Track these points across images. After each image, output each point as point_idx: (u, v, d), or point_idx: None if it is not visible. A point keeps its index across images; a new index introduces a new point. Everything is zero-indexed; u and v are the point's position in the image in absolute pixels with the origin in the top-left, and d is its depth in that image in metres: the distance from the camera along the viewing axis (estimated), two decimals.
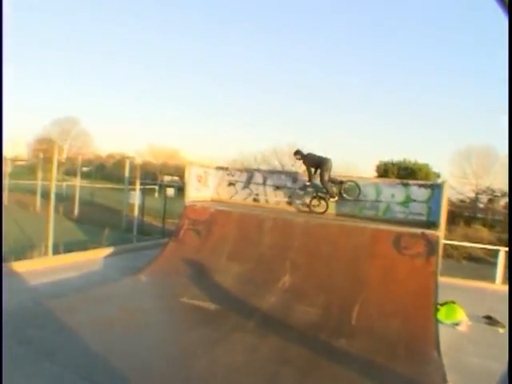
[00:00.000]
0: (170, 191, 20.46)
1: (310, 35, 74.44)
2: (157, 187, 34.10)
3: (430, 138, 65.53)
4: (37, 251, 9.65)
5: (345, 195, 10.12)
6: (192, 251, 9.06)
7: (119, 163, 57.32)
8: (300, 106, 77.72)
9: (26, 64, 74.19)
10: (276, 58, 78.78)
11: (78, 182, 19.12)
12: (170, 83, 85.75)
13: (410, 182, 10.22)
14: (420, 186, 9.89)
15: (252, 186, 10.96)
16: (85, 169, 56.29)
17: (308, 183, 10.13)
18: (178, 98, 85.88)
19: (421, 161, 30.10)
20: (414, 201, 9.74)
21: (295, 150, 10.50)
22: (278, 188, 10.79)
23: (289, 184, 10.71)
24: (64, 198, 22.69)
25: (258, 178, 10.95)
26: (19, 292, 7.33)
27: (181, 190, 16.11)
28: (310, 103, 76.46)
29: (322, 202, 10.27)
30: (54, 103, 79.53)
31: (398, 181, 10.47)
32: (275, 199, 10.82)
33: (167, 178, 42.16)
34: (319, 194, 10.26)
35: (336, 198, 10.04)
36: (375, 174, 29.94)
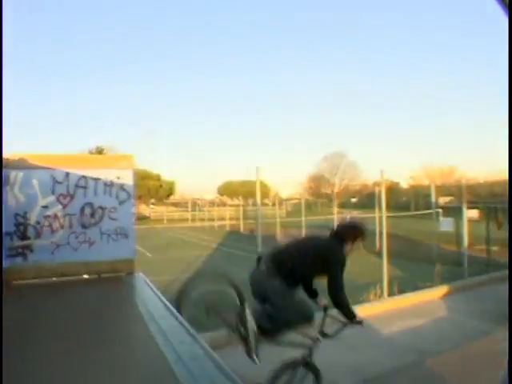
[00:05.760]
0: (472, 213, 17.97)
1: None
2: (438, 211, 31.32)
3: None
4: (372, 292, 8.95)
5: None
6: None
7: (388, 190, 56.81)
8: None
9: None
10: None
11: (379, 213, 18.37)
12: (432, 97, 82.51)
13: None
14: None
15: None
16: (353, 199, 57.63)
17: None
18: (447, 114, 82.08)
19: None
20: None
21: None
22: None
23: None
24: None
25: None
26: (376, 345, 6.54)
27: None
28: None
29: None
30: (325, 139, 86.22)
31: None
32: None
33: (444, 200, 38.84)
34: None
35: None
36: None
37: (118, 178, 4.81)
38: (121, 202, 4.83)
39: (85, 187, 4.60)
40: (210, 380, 1.83)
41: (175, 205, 57.65)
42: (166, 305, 3.21)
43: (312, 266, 3.73)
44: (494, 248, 13.81)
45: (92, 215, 4.68)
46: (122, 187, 4.85)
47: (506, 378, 1.86)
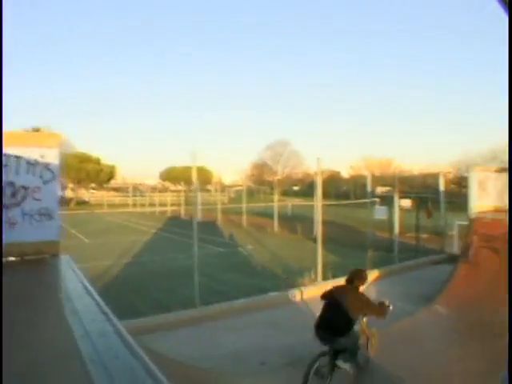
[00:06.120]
0: (406, 203, 18.75)
1: None
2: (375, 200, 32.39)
3: None
4: (305, 277, 9.15)
5: None
6: (492, 274, 7.32)
7: (329, 179, 58.17)
8: None
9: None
10: None
11: (318, 201, 18.72)
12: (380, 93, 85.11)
13: None
14: None
15: None
16: (295, 188, 58.54)
17: None
18: (388, 109, 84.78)
19: None
20: None
21: None
22: None
23: None
24: (292, 218, 23.04)
25: None
26: (310, 327, 6.69)
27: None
28: None
29: None
30: (266, 129, 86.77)
31: None
32: None
33: (381, 190, 40.29)
34: None
35: None
36: None
37: (42, 156, 4.56)
38: (45, 182, 4.58)
39: (5, 165, 4.32)
40: (114, 355, 1.83)
41: (116, 190, 56.21)
42: (85, 286, 3.11)
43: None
44: (424, 235, 14.53)
45: (13, 195, 4.42)
46: (46, 167, 4.59)
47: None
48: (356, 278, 5.23)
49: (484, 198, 9.11)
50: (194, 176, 7.90)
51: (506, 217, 8.25)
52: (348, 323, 4.85)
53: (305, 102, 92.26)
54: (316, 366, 4.66)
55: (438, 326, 6.73)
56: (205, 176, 54.65)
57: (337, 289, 5.27)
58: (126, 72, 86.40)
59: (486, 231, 7.90)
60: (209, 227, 22.35)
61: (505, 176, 9.25)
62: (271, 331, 6.56)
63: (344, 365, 4.80)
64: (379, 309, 5.07)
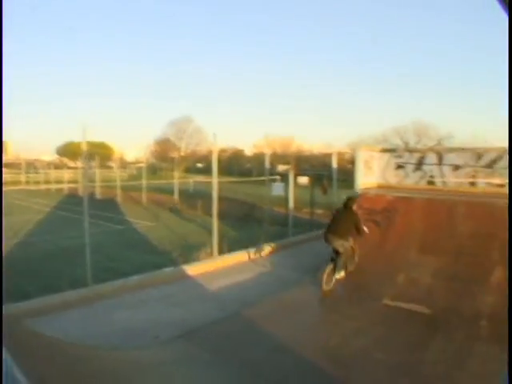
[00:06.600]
0: (303, 180, 19.61)
1: None
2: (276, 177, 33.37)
3: None
4: (202, 252, 9.26)
5: None
6: (373, 245, 7.97)
7: (233, 157, 58.75)
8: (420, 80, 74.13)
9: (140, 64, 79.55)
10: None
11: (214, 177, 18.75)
12: (278, 72, 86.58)
13: None
14: None
15: (425, 168, 9.52)
16: (199, 165, 58.34)
17: None
18: (287, 87, 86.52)
19: None
20: None
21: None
22: (457, 168, 9.25)
23: (471, 162, 9.10)
24: (194, 195, 23.00)
25: (431, 158, 9.49)
26: (203, 300, 6.86)
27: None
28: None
29: None
30: (170, 105, 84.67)
31: None
32: (455, 181, 9.29)
33: (282, 168, 41.59)
34: None
35: None
36: None
37: None
38: None
39: None
40: None
41: (8, 166, 51.76)
42: None
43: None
44: (320, 211, 15.32)
45: None
46: None
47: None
48: (349, 202, 7.51)
49: (369, 176, 9.83)
50: (84, 151, 7.51)
51: (387, 192, 9.02)
52: (346, 231, 7.24)
53: (210, 80, 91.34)
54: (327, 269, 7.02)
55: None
56: (106, 152, 52.33)
57: (338, 210, 7.63)
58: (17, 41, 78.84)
59: (369, 206, 8.54)
60: (108, 204, 21.59)
61: (387, 156, 10.08)
62: (165, 306, 6.58)
63: (340, 262, 7.17)
64: (362, 228, 7.29)
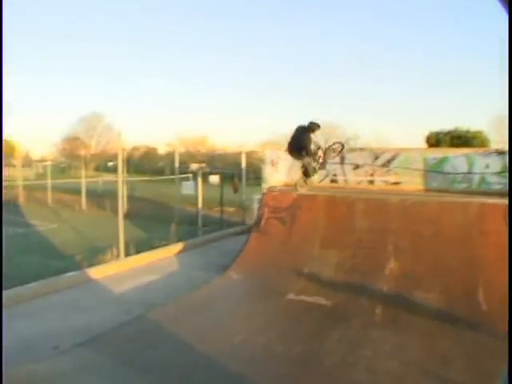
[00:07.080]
0: (215, 178, 19.67)
1: None
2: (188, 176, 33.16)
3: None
4: (108, 254, 8.96)
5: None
6: (279, 241, 8.24)
7: (145, 155, 57.23)
8: (326, 80, 77.41)
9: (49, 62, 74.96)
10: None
11: (119, 176, 18.20)
12: (192, 68, 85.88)
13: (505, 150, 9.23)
14: None
15: (328, 167, 10.00)
16: (110, 163, 56.19)
17: None
18: (201, 84, 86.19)
19: (473, 128, 27.84)
20: None
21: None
22: (357, 167, 9.85)
23: (370, 162, 9.75)
24: (103, 194, 22.16)
25: (334, 157, 10.00)
26: (108, 304, 6.65)
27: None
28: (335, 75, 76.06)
29: None
30: (80, 101, 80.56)
31: (492, 150, 9.53)
32: (355, 179, 9.89)
33: (195, 166, 41.34)
34: None
35: None
36: (425, 145, 28.09)
37: None
38: None
39: None
40: None
41: None
42: None
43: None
44: (231, 209, 15.49)
45: None
46: None
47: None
48: (312, 127, 9.02)
49: (276, 174, 10.13)
50: None
51: (292, 191, 9.34)
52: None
53: (123, 75, 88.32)
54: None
55: (231, 291, 7.32)
56: (8, 149, 48.49)
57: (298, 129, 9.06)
58: None
59: (274, 203, 8.81)
60: (8, 206, 20.09)
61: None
62: (67, 313, 6.28)
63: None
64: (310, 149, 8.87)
